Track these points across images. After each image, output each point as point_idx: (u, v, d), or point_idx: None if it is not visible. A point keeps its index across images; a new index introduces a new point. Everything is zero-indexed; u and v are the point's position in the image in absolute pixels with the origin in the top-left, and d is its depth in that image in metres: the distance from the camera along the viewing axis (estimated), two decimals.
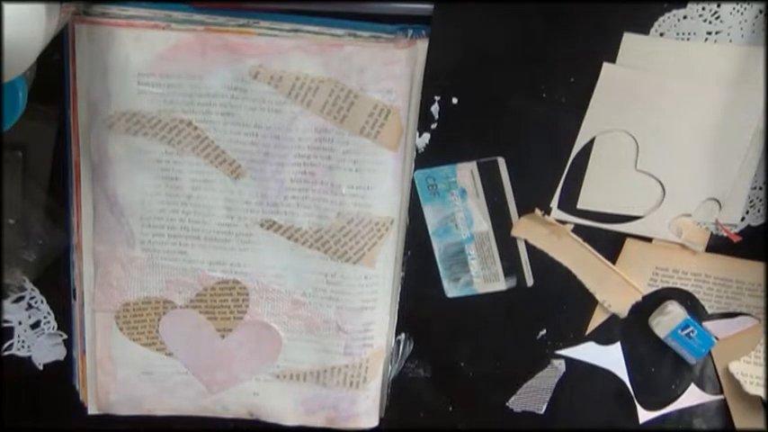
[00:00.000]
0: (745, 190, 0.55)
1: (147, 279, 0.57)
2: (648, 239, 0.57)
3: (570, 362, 0.60)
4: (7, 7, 0.39)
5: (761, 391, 0.59)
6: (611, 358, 0.60)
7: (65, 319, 0.59)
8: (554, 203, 0.56)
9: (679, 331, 0.57)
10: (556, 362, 0.60)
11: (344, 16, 0.52)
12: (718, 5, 0.50)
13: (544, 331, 0.59)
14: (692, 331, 0.57)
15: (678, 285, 0.58)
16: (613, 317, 0.59)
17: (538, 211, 0.56)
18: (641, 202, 0.56)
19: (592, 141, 0.54)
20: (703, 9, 0.50)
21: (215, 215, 0.56)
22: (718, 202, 0.55)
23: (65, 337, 0.60)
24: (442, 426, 0.61)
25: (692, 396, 0.61)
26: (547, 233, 0.57)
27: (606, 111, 0.53)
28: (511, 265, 0.58)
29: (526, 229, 0.56)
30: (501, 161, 0.55)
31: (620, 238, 0.56)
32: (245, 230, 0.56)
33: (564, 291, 0.58)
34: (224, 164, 0.55)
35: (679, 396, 0.61)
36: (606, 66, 0.52)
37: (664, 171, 0.55)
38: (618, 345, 0.60)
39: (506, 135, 0.54)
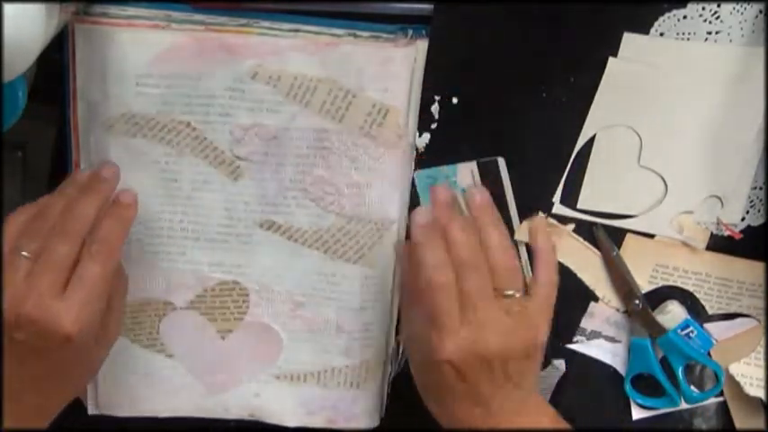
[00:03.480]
0: (746, 190, 0.55)
1: (146, 280, 0.57)
2: (649, 236, 0.57)
3: (570, 361, 0.60)
4: (7, 7, 0.39)
5: (761, 393, 0.59)
6: (611, 357, 0.60)
7: None
8: (556, 198, 0.55)
9: (679, 331, 0.57)
10: (556, 362, 0.60)
11: (344, 16, 0.52)
12: (718, 5, 0.50)
13: None
14: (692, 331, 0.57)
15: (678, 284, 0.58)
16: (613, 315, 0.59)
17: (541, 214, 0.56)
18: (643, 198, 0.56)
19: (593, 139, 0.54)
20: (703, 9, 0.50)
21: (214, 216, 0.56)
22: (719, 199, 0.55)
23: None
24: (442, 426, 0.61)
25: None
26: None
27: (610, 107, 0.53)
28: None
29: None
30: (501, 161, 0.55)
31: (621, 234, 0.56)
32: (244, 231, 0.56)
33: (564, 291, 0.58)
34: (223, 165, 0.55)
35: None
36: (612, 60, 0.52)
37: (666, 167, 0.55)
38: (617, 344, 0.60)
39: (506, 135, 0.54)
